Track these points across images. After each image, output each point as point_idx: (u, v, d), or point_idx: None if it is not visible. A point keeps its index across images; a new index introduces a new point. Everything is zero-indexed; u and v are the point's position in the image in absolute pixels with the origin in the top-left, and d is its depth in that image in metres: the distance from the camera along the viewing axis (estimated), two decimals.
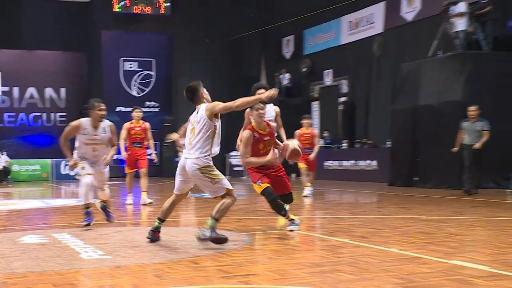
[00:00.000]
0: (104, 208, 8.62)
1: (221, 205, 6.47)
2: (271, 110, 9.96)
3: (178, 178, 6.81)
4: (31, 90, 32.24)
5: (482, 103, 14.66)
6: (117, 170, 23.60)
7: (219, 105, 6.53)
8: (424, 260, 5.55)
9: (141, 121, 13.15)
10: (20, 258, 6.08)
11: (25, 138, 31.61)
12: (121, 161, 19.70)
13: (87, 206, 8.14)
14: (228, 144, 30.35)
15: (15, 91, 32.03)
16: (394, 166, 19.53)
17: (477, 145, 14.23)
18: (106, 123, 8.39)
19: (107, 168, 8.72)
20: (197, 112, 6.61)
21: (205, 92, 6.83)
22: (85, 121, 8.19)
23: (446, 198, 13.75)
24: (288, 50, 30.60)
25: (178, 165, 6.79)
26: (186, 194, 7.13)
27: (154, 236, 6.90)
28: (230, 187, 6.57)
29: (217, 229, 6.45)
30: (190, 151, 6.53)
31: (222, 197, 6.54)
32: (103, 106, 8.24)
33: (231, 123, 29.97)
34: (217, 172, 6.57)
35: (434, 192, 15.70)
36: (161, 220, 6.91)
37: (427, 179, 17.82)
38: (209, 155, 6.54)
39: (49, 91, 32.43)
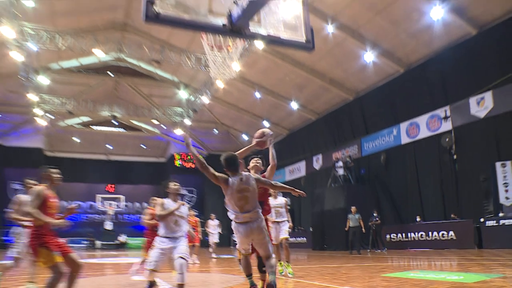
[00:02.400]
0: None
1: (271, 267, 3.84)
2: (282, 199, 7.49)
3: (245, 242, 3.96)
4: (137, 203, 32.81)
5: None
6: None
7: (262, 179, 4.07)
8: (330, 287, 5.53)
9: (194, 217, 12.73)
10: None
11: (134, 227, 31.64)
12: None
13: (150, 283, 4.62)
14: None
15: (130, 204, 32.52)
16: (314, 239, 19.23)
17: (363, 230, 14.27)
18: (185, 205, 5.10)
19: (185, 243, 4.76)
20: (242, 180, 3.82)
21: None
22: (165, 199, 4.97)
23: (340, 256, 13.53)
24: None
25: (243, 232, 3.82)
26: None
27: None
28: None
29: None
30: (252, 215, 3.80)
31: (267, 259, 3.90)
32: (177, 184, 5.26)
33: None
34: None
35: (334, 253, 15.50)
36: (249, 275, 4.16)
37: (331, 246, 17.61)
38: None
39: (145, 204, 32.39)
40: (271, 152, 4.61)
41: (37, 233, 3.82)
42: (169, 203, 4.96)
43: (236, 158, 3.95)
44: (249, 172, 4.46)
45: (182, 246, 4.67)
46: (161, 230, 4.77)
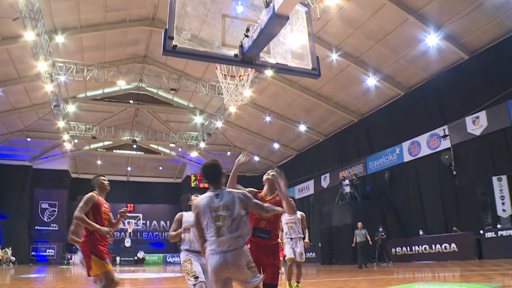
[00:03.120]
0: None
1: None
2: (297, 214, 6.32)
3: (217, 282, 2.62)
4: (154, 222, 32.48)
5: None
6: None
7: (252, 201, 2.87)
8: None
9: None
10: None
11: (151, 243, 31.56)
12: None
13: None
14: None
15: (148, 222, 32.27)
16: (323, 254, 18.89)
17: (370, 243, 13.96)
18: None
19: None
20: (217, 196, 2.80)
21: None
22: (185, 212, 4.32)
23: (348, 269, 13.29)
24: None
25: (214, 265, 2.60)
26: None
27: None
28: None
29: None
30: (231, 242, 2.63)
31: None
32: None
33: None
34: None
35: (342, 267, 15.23)
36: None
37: (338, 260, 17.30)
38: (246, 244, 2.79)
39: (162, 222, 32.57)
40: (283, 192, 3.22)
41: (89, 239, 3.61)
42: (189, 216, 4.19)
43: (216, 168, 2.88)
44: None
45: None
46: (185, 245, 4.02)
